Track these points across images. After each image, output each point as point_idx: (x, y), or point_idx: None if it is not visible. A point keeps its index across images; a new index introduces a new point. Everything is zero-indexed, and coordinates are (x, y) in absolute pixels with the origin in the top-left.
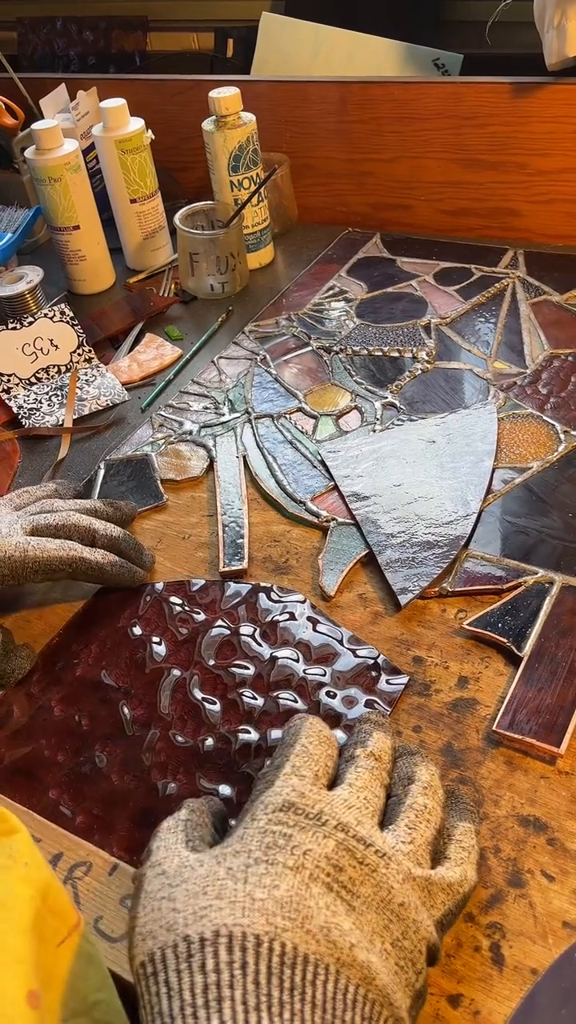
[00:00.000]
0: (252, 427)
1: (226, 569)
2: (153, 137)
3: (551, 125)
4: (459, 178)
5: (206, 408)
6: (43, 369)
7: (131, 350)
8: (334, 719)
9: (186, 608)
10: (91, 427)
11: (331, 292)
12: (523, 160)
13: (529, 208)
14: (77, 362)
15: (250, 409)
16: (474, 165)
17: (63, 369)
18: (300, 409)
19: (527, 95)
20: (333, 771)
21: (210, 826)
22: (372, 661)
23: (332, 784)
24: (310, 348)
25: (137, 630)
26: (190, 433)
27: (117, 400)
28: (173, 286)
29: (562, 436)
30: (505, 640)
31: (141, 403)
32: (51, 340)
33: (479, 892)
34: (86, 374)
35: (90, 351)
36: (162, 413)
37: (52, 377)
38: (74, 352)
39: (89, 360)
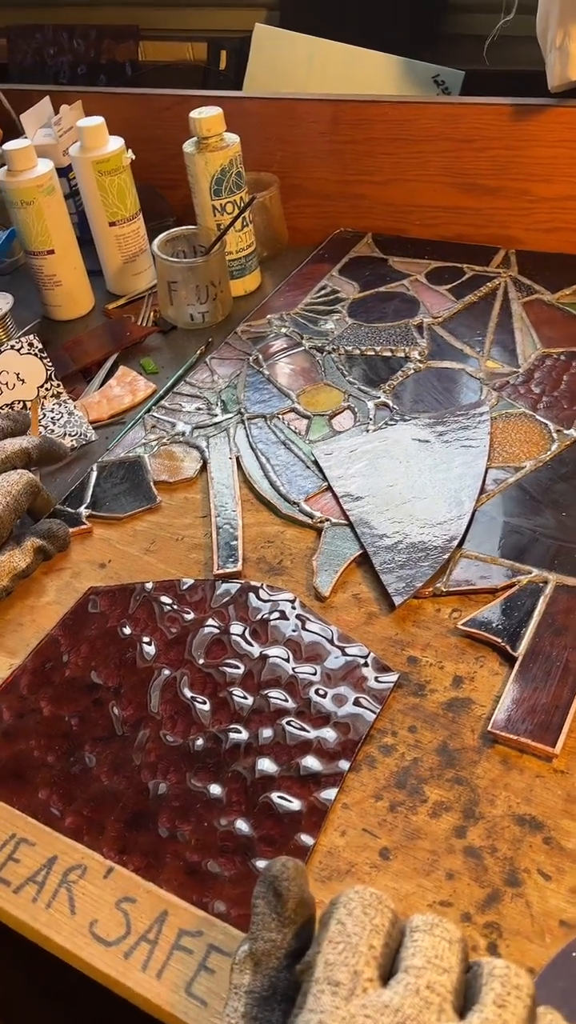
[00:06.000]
0: (245, 428)
1: (220, 571)
2: (133, 157)
3: (554, 150)
4: (456, 203)
5: (199, 409)
6: (8, 405)
7: (104, 382)
8: (324, 718)
9: (176, 607)
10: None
11: (323, 292)
12: (524, 186)
13: (530, 236)
14: (44, 396)
15: (243, 410)
16: (472, 190)
17: (29, 405)
18: (293, 409)
19: (529, 117)
20: (390, 948)
21: (281, 992)
22: (362, 659)
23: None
24: (302, 348)
25: (127, 630)
26: (183, 434)
27: (84, 441)
28: (153, 314)
29: (555, 435)
30: (499, 640)
31: (108, 443)
32: (17, 374)
33: (475, 892)
34: (53, 411)
35: (58, 385)
36: (154, 415)
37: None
38: (42, 387)
39: (57, 395)
